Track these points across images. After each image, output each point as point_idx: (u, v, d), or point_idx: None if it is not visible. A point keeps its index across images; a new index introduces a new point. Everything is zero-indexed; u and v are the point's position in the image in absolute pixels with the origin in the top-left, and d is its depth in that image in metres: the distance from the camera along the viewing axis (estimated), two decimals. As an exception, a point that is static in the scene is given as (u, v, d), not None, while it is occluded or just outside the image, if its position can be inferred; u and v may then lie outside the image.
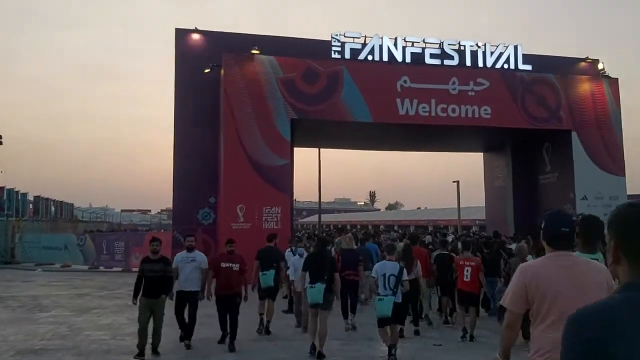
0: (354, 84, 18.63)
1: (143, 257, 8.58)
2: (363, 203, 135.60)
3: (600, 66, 20.86)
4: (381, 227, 63.03)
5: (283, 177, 17.99)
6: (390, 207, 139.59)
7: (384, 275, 7.74)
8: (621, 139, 20.72)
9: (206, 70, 19.19)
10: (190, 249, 9.04)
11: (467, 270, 9.26)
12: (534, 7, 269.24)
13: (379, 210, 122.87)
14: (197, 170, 19.57)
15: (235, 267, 8.74)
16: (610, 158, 20.51)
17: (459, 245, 11.23)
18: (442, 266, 10.41)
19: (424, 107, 19.11)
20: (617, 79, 20.81)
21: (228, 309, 8.59)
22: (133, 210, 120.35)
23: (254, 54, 17.96)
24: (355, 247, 11.81)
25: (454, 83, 19.46)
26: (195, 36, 20.45)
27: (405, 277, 7.92)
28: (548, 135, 21.25)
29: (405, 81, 19.06)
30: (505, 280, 10.03)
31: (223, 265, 8.74)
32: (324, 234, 26.81)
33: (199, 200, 19.72)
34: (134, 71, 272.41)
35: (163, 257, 8.41)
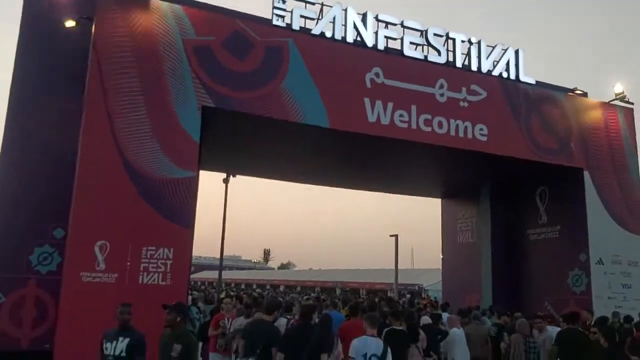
0: (304, 67, 12.15)
1: None
2: (258, 261, 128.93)
3: (618, 89, 16.04)
4: (281, 287, 56.95)
5: (183, 200, 10.72)
6: (282, 267, 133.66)
7: (365, 355, 6.50)
8: (639, 186, 15.87)
9: (68, 23, 11.88)
10: None
11: None
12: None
13: (273, 269, 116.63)
14: (36, 184, 11.82)
15: None
16: (628, 210, 15.47)
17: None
18: (395, 346, 7.51)
19: (401, 115, 13.02)
20: (632, 108, 16.17)
21: None
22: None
23: (149, -7, 11.00)
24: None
25: (441, 87, 13.65)
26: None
27: (389, 359, 6.61)
28: (545, 174, 15.96)
29: (377, 74, 12.93)
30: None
31: None
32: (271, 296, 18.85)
33: (35, 233, 11.80)
34: None
35: None
